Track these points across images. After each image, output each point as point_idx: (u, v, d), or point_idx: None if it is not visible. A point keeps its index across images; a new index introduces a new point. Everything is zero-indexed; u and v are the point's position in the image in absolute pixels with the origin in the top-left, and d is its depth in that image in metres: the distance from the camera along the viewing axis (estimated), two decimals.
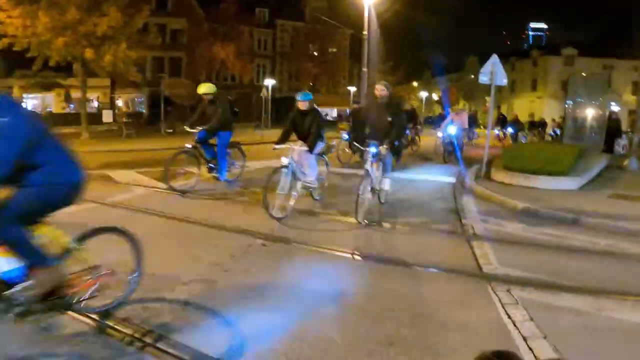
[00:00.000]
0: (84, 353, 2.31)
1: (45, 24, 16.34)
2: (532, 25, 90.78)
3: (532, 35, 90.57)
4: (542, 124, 23.43)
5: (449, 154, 11.20)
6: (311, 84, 36.77)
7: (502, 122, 20.31)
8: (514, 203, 6.07)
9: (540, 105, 44.82)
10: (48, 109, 27.77)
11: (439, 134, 11.87)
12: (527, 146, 10.48)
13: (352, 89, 39.94)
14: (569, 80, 15.01)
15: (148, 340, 2.43)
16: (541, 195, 6.46)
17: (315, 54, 35.44)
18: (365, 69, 21.55)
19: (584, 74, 16.14)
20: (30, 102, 28.88)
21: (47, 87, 23.63)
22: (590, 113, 12.67)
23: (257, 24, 36.74)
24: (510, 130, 19.15)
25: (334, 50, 36.95)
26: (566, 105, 14.42)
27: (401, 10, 26.55)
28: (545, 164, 7.44)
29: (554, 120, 23.41)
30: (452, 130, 11.30)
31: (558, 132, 22.12)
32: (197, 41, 29.44)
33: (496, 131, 18.26)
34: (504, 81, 7.92)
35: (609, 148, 12.36)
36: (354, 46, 37.51)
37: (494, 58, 7.89)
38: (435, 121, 19.24)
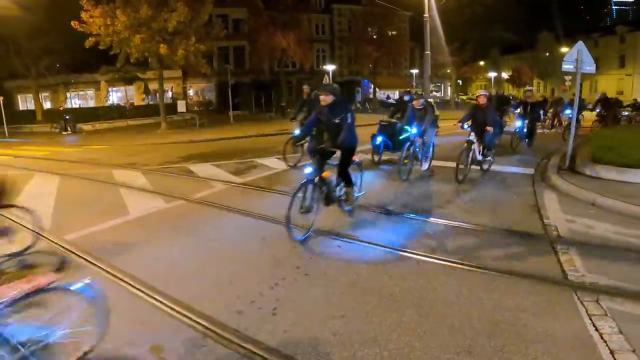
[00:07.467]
0: None
1: (123, 22, 18.03)
2: None
3: (616, 10, 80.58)
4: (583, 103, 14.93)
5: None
6: (371, 66, 36.08)
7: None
8: (605, 201, 5.44)
9: (629, 83, 40.10)
10: (131, 101, 30.37)
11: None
12: (620, 134, 9.34)
13: (415, 71, 38.45)
14: None
15: None
16: (637, 192, 5.74)
17: (375, 36, 34.57)
18: (428, 52, 20.69)
19: None
20: (115, 94, 31.77)
21: (128, 81, 25.78)
22: None
23: (314, 10, 36.83)
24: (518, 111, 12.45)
25: (394, 32, 35.76)
26: None
27: None
28: None
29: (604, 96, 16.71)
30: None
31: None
32: (258, 31, 29.97)
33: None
34: (588, 69, 7.09)
35: None
36: (414, 28, 35.93)
37: (580, 45, 7.13)
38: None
